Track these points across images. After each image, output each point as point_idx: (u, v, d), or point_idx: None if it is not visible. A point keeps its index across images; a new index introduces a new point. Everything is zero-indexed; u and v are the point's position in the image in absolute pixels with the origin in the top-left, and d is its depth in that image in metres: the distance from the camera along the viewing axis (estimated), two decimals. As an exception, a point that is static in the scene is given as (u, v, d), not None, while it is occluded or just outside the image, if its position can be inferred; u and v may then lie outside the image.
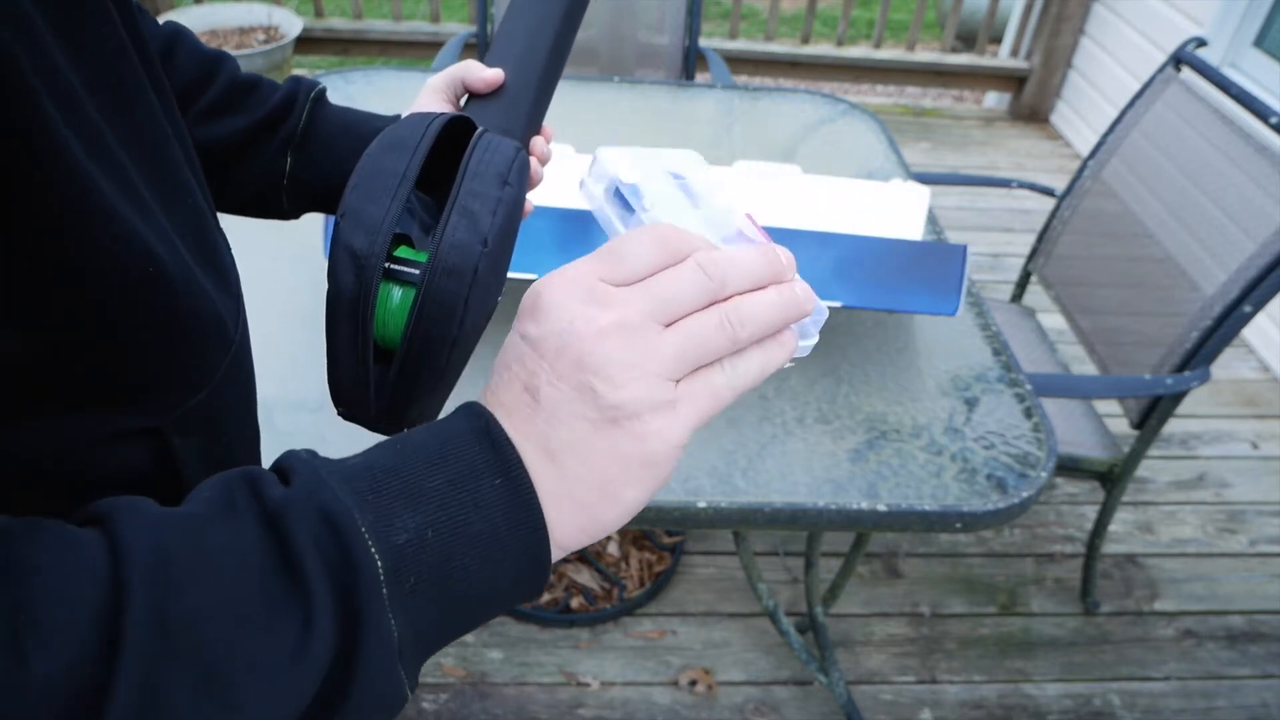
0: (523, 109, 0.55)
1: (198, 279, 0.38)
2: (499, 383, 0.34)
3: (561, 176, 1.20)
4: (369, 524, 0.29)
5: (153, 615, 0.25)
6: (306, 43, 3.25)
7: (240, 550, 0.28)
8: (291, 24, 3.11)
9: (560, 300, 0.32)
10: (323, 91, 0.64)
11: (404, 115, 0.57)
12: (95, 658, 0.24)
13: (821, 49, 3.40)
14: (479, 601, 0.32)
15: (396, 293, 0.46)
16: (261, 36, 3.13)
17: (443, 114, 0.50)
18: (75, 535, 0.27)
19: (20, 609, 0.24)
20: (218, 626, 0.27)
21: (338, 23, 3.32)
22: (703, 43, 2.27)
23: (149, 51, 0.42)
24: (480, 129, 0.50)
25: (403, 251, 0.47)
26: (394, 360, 0.46)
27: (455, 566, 0.30)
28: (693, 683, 1.58)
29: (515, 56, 0.56)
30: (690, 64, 2.22)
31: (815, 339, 0.38)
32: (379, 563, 0.29)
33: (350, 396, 0.48)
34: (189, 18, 3.09)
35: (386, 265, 0.45)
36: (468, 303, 0.44)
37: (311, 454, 0.32)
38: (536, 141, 0.58)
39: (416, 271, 0.45)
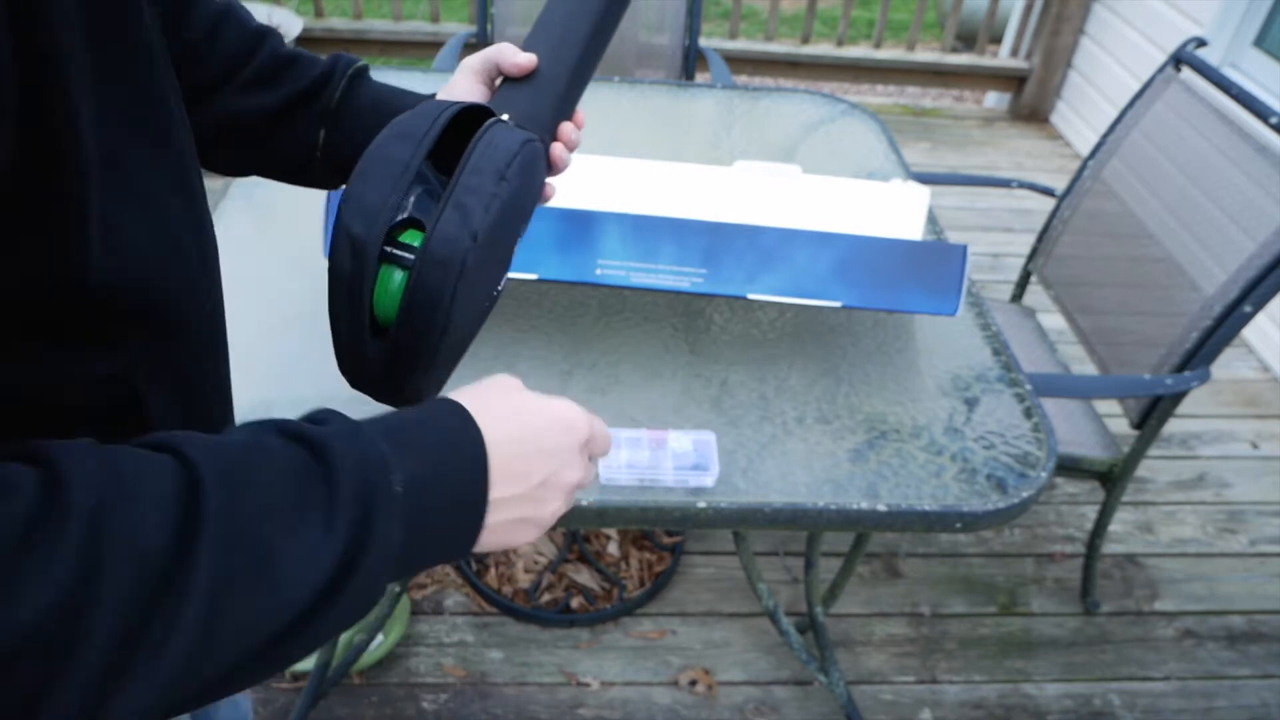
0: (553, 95, 0.56)
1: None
2: (516, 455, 0.45)
3: (560, 176, 1.19)
4: (391, 460, 0.39)
5: (222, 508, 0.33)
6: (306, 43, 3.25)
7: (286, 472, 0.36)
8: (291, 24, 3.11)
9: (579, 445, 0.49)
10: (363, 69, 0.68)
11: (437, 95, 0.59)
12: (180, 534, 0.31)
13: (821, 49, 3.40)
14: (437, 537, 0.42)
15: (397, 276, 0.48)
16: (261, 36, 3.13)
17: (456, 103, 0.52)
18: (150, 455, 0.34)
19: (109, 508, 0.31)
20: (265, 524, 0.34)
21: (338, 23, 3.32)
22: (703, 43, 2.27)
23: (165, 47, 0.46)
24: (490, 120, 0.51)
25: (408, 236, 0.49)
26: (388, 340, 0.49)
27: (431, 507, 0.41)
28: (693, 683, 1.58)
29: (550, 42, 0.56)
30: (690, 64, 2.21)
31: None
32: (399, 489, 0.38)
33: (351, 368, 0.52)
34: (189, 18, 3.09)
35: (388, 249, 0.48)
36: (455, 294, 0.47)
37: (332, 411, 0.41)
38: (565, 128, 0.58)
39: (414, 257, 0.48)
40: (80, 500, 0.30)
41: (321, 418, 0.40)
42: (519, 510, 0.45)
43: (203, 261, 0.49)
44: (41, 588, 0.28)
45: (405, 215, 0.48)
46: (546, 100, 0.56)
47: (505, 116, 0.52)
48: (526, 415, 0.46)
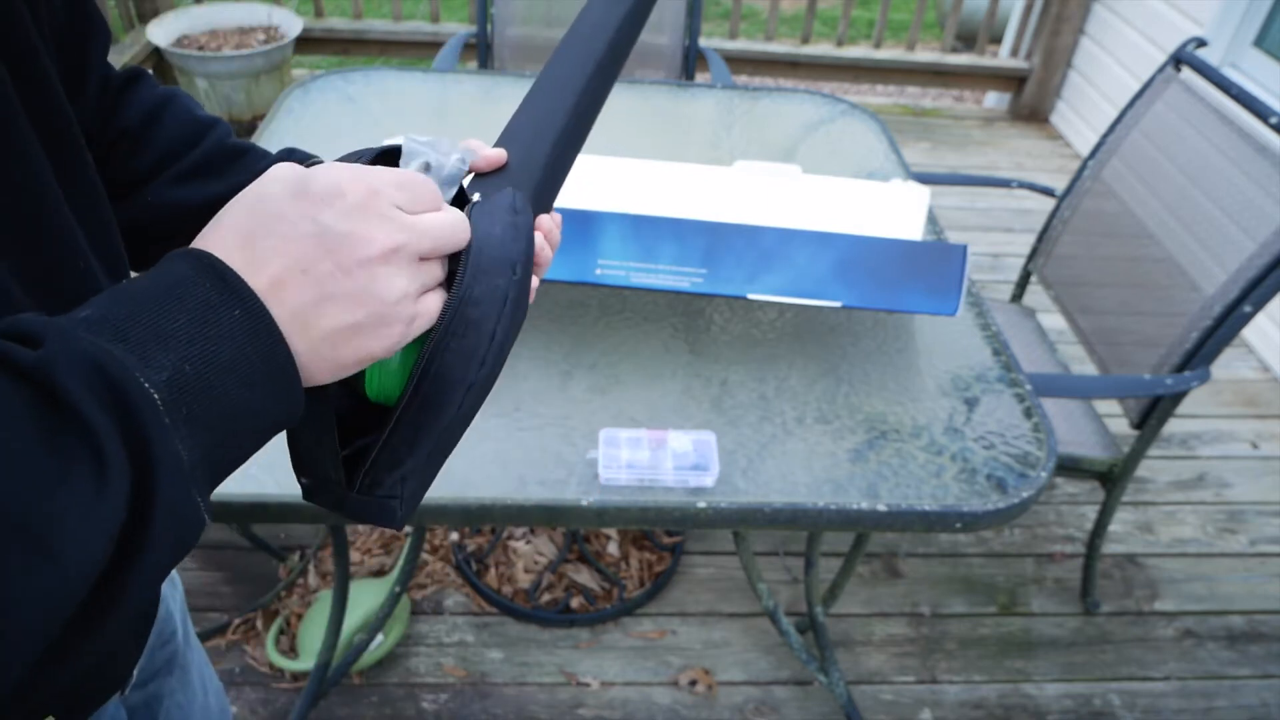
0: (527, 187, 0.53)
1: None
2: (265, 249, 0.36)
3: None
4: (133, 364, 0.31)
5: None
6: (306, 43, 3.26)
7: (8, 416, 0.29)
8: (291, 24, 3.11)
9: (357, 204, 0.37)
10: (316, 164, 0.63)
11: None
12: None
13: (821, 49, 3.40)
14: (247, 423, 0.35)
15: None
16: (261, 36, 3.13)
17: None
18: None
19: None
20: (10, 488, 0.28)
21: (338, 23, 3.32)
22: (703, 43, 2.27)
23: (51, 103, 0.44)
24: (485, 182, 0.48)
25: None
26: (395, 409, 0.41)
27: (219, 394, 0.33)
28: (693, 683, 1.58)
29: (522, 137, 0.54)
30: (690, 64, 2.21)
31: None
32: (155, 395, 0.31)
33: (313, 464, 0.43)
34: (189, 18, 3.09)
35: None
36: (494, 336, 0.41)
37: (40, 315, 0.32)
38: (543, 220, 0.54)
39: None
40: None
41: (30, 330, 0.31)
42: (327, 317, 0.36)
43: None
44: None
45: None
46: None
47: (476, 197, 0.48)
48: (268, 205, 0.37)
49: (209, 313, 0.33)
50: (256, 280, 0.35)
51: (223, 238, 0.36)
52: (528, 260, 0.43)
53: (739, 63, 3.35)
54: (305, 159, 0.62)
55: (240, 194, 0.38)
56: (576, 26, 0.58)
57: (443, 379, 0.40)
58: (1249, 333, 2.44)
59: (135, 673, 0.61)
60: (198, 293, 0.34)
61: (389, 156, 0.47)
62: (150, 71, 0.63)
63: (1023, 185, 1.81)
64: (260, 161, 0.62)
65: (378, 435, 0.41)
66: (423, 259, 0.40)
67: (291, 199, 0.37)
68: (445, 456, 0.45)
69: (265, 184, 0.37)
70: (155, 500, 0.31)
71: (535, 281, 0.53)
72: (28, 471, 0.28)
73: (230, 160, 0.61)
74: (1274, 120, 1.36)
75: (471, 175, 0.54)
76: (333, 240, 0.36)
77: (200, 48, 3.04)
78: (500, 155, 0.52)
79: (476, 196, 0.48)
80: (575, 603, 1.67)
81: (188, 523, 0.32)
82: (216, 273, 0.34)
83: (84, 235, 0.47)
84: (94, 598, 0.30)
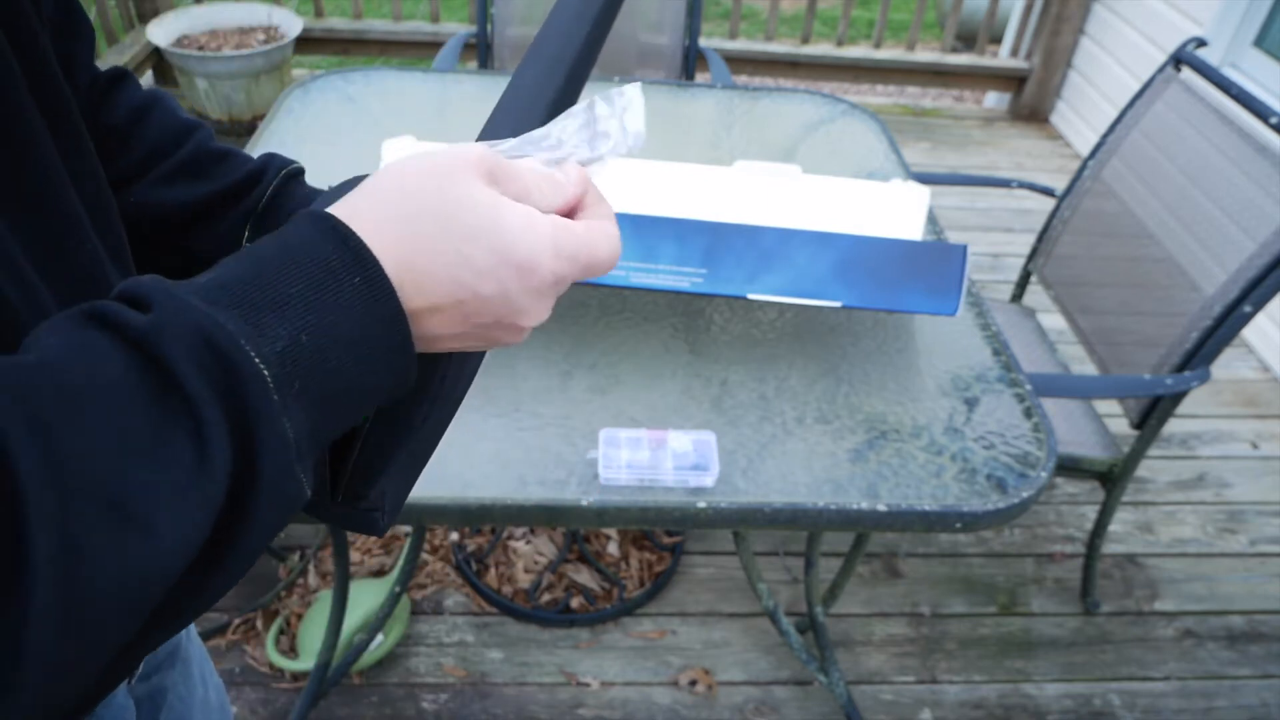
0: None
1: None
2: (443, 284, 0.35)
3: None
4: (246, 335, 0.30)
5: (42, 461, 0.25)
6: (306, 43, 3.25)
7: (110, 385, 0.28)
8: (291, 24, 3.11)
9: (542, 288, 0.37)
10: (298, 171, 0.64)
11: None
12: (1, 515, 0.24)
13: (821, 49, 3.40)
14: (358, 397, 0.34)
15: None
16: (261, 36, 3.13)
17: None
18: None
19: None
20: (107, 460, 0.27)
21: (338, 23, 3.32)
22: (703, 43, 2.27)
23: (61, 102, 0.44)
24: None
25: None
26: (361, 426, 0.41)
27: (332, 368, 0.32)
28: (693, 683, 1.58)
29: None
30: (690, 64, 2.21)
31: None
32: (265, 371, 0.30)
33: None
34: (189, 18, 3.09)
35: None
36: (451, 354, 0.40)
37: (158, 279, 0.31)
38: None
39: None
40: None
41: (143, 294, 0.30)
42: (455, 343, 0.37)
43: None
44: None
45: None
46: None
47: None
48: (461, 243, 0.34)
49: (329, 279, 0.32)
50: (415, 301, 0.34)
51: (387, 245, 0.34)
52: None
53: (739, 63, 3.35)
54: (286, 165, 0.62)
55: (410, 193, 0.35)
56: (549, 25, 0.58)
57: (401, 398, 0.40)
58: (1249, 333, 2.44)
59: (141, 663, 0.61)
60: (318, 256, 0.32)
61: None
62: (139, 77, 0.63)
63: (1023, 185, 1.81)
64: (242, 166, 0.62)
65: (351, 449, 0.41)
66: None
67: (488, 253, 0.35)
68: (422, 465, 0.45)
69: (461, 208, 0.35)
70: (258, 477, 0.30)
71: None
72: (123, 438, 0.27)
73: (214, 163, 0.62)
74: (1274, 120, 1.36)
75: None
76: (505, 308, 0.36)
77: (200, 48, 3.04)
78: None
79: None
80: (575, 603, 1.67)
81: (290, 498, 0.32)
82: (339, 235, 0.33)
83: (88, 218, 0.47)
84: (189, 574, 0.29)
